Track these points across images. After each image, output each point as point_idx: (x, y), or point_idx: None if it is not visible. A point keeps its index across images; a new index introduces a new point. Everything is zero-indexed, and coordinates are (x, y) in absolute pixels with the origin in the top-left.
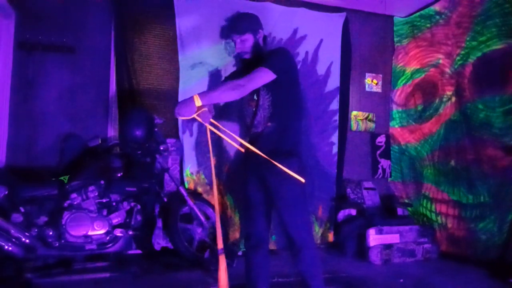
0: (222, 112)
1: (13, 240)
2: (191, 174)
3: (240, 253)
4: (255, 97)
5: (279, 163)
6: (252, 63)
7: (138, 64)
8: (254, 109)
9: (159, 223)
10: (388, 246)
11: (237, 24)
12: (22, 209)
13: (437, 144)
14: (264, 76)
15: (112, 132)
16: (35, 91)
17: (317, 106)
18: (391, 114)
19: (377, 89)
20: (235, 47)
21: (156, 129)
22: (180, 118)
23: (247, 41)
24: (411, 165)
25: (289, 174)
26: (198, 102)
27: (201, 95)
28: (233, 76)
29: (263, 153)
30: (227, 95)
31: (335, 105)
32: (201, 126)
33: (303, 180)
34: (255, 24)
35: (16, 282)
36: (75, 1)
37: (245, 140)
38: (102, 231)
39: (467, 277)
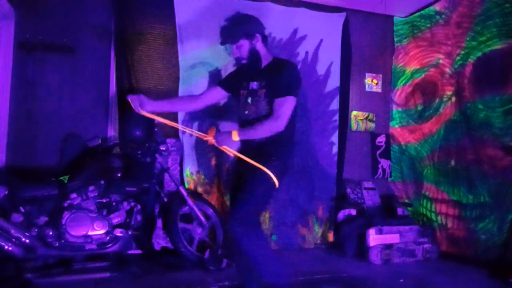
0: (221, 113)
1: (13, 240)
2: (191, 174)
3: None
4: (249, 101)
5: (261, 163)
6: (251, 69)
7: (138, 64)
8: (247, 112)
9: (159, 223)
10: (388, 246)
11: (231, 32)
12: (22, 209)
13: (437, 144)
14: (292, 105)
15: (112, 132)
16: (35, 91)
17: (317, 106)
18: (391, 114)
19: (377, 89)
20: (232, 53)
21: (156, 129)
22: (220, 147)
23: (243, 47)
24: (411, 165)
25: (263, 173)
26: (235, 137)
27: (239, 132)
28: (229, 79)
29: (247, 152)
30: (264, 134)
31: (335, 105)
32: (201, 126)
33: (276, 182)
34: (250, 28)
35: (16, 282)
36: (75, 1)
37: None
38: (102, 231)
39: (467, 277)
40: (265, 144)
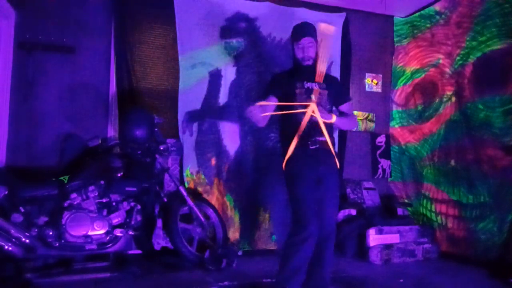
0: (222, 112)
1: (13, 240)
2: (191, 174)
3: (240, 253)
4: (312, 98)
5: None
6: (311, 69)
7: (138, 64)
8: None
9: (159, 223)
10: (388, 246)
11: (311, 30)
12: (22, 209)
13: (437, 144)
14: None
15: (112, 132)
16: (35, 91)
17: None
18: (391, 114)
19: (377, 89)
20: (298, 51)
21: (156, 129)
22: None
23: (313, 48)
24: (411, 165)
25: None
26: (334, 118)
27: (337, 118)
28: (281, 85)
29: (326, 150)
30: (350, 126)
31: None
32: (201, 127)
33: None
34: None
35: (16, 282)
36: (75, 1)
37: (295, 137)
38: (102, 231)
39: (467, 277)
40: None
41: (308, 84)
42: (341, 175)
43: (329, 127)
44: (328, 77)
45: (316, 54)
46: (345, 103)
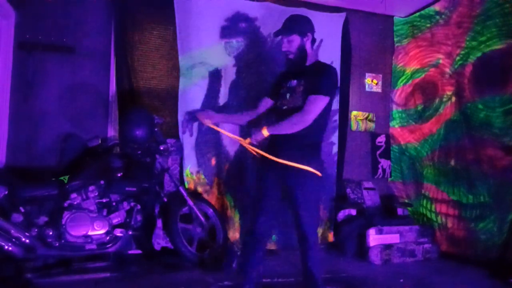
0: (222, 112)
1: (13, 240)
2: (191, 174)
3: (240, 253)
4: (287, 96)
5: (304, 155)
6: (295, 65)
7: (138, 64)
8: (283, 106)
9: (159, 223)
10: (388, 246)
11: (286, 25)
12: (22, 209)
13: (437, 144)
14: (321, 103)
15: (112, 132)
16: (35, 91)
17: None
18: (391, 114)
19: (377, 89)
20: (281, 46)
21: (156, 129)
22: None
23: (294, 42)
24: (411, 165)
25: (307, 173)
26: (265, 132)
27: (268, 128)
28: (273, 87)
29: (289, 146)
30: (292, 129)
31: (335, 105)
32: (201, 126)
33: (320, 174)
34: (303, 27)
35: (16, 282)
36: (75, 1)
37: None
38: (102, 231)
39: (467, 277)
40: (303, 146)
41: (289, 83)
42: (341, 175)
43: (299, 137)
44: (316, 67)
45: (301, 46)
46: (308, 97)
